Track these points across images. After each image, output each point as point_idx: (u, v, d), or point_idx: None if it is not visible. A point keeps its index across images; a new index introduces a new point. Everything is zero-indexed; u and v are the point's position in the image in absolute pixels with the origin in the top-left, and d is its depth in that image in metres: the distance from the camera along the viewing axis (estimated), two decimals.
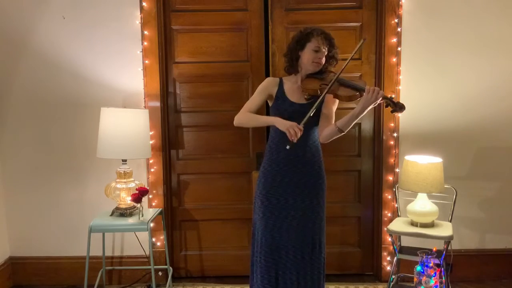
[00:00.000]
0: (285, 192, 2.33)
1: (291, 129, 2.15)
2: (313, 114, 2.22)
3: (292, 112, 2.30)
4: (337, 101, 2.38)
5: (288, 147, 2.17)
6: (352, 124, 2.23)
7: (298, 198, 2.33)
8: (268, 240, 2.33)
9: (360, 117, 2.20)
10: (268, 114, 2.52)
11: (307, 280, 2.33)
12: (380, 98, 2.15)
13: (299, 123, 2.16)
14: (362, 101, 2.16)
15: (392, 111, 2.21)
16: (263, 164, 2.41)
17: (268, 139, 2.42)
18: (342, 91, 2.28)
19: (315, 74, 2.36)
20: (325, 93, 2.23)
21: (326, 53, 2.35)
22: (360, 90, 2.21)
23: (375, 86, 3.08)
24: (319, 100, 2.21)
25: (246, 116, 2.37)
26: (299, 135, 2.15)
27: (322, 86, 2.28)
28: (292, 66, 2.40)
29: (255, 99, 2.41)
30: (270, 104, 2.44)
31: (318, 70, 2.36)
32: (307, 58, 2.33)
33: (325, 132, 2.31)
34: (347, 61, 2.26)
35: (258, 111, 2.41)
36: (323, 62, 2.36)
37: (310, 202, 2.34)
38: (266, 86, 2.42)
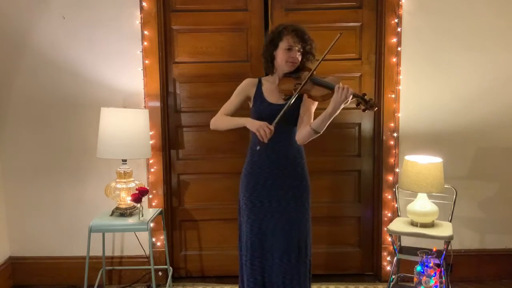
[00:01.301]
0: (269, 195, 2.28)
1: (261, 129, 2.11)
2: (293, 114, 2.18)
3: (270, 113, 2.22)
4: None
5: (258, 148, 2.14)
6: (327, 125, 2.14)
7: (282, 201, 2.28)
8: (254, 243, 2.29)
9: (333, 117, 2.11)
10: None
11: (294, 284, 2.27)
12: (351, 97, 2.06)
13: (271, 123, 2.12)
14: (333, 101, 2.08)
15: (363, 110, 2.12)
16: (245, 166, 2.37)
17: (250, 141, 2.37)
18: (315, 90, 2.19)
19: (291, 73, 2.29)
20: (297, 93, 2.16)
21: (301, 50, 2.25)
22: (332, 88, 2.12)
23: (375, 85, 3.08)
24: (291, 100, 2.16)
25: (220, 119, 2.34)
26: (269, 135, 2.11)
27: (296, 86, 2.21)
28: (268, 67, 2.35)
29: (232, 101, 2.38)
30: (250, 105, 2.39)
31: (296, 68, 2.28)
32: (281, 58, 2.26)
33: (300, 134, 2.23)
34: (321, 58, 2.19)
35: (236, 113, 2.37)
36: (299, 60, 2.27)
37: (295, 204, 2.28)
38: (244, 87, 2.38)
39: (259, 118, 2.25)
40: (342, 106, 2.09)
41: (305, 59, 2.30)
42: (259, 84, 2.37)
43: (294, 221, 2.28)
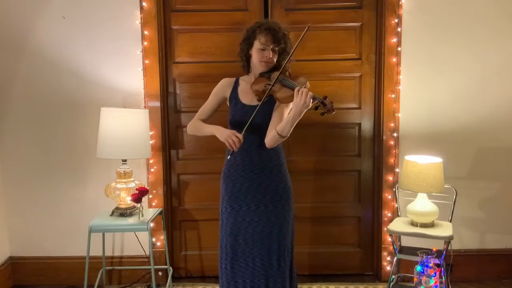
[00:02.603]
0: (246, 198, 2.26)
1: (229, 139, 2.09)
2: (267, 116, 2.15)
3: (243, 114, 2.18)
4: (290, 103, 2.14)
5: (228, 157, 2.12)
6: (292, 128, 2.06)
7: (260, 205, 2.24)
8: (234, 246, 2.28)
9: (297, 120, 2.03)
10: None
11: (278, 287, 2.25)
12: (311, 100, 1.97)
13: (246, 128, 2.09)
14: (294, 105, 2.00)
15: (321, 114, 2.02)
16: (223, 169, 2.35)
17: None
18: (282, 92, 2.12)
19: (266, 72, 2.22)
20: (266, 96, 2.11)
21: (275, 49, 2.18)
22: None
23: (375, 85, 3.08)
24: (259, 104, 2.11)
25: (194, 125, 2.34)
26: (238, 144, 2.09)
27: (266, 86, 2.15)
28: (245, 66, 2.31)
29: (208, 103, 2.36)
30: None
31: (272, 67, 2.21)
32: (255, 58, 2.21)
33: (268, 137, 2.15)
34: (289, 56, 2.15)
35: (214, 115, 2.39)
36: (274, 60, 2.20)
37: (273, 207, 2.25)
38: (220, 88, 2.35)
39: (233, 119, 2.24)
40: (304, 109, 2.00)
41: (281, 58, 2.24)
42: (236, 84, 2.33)
43: (273, 224, 2.25)
